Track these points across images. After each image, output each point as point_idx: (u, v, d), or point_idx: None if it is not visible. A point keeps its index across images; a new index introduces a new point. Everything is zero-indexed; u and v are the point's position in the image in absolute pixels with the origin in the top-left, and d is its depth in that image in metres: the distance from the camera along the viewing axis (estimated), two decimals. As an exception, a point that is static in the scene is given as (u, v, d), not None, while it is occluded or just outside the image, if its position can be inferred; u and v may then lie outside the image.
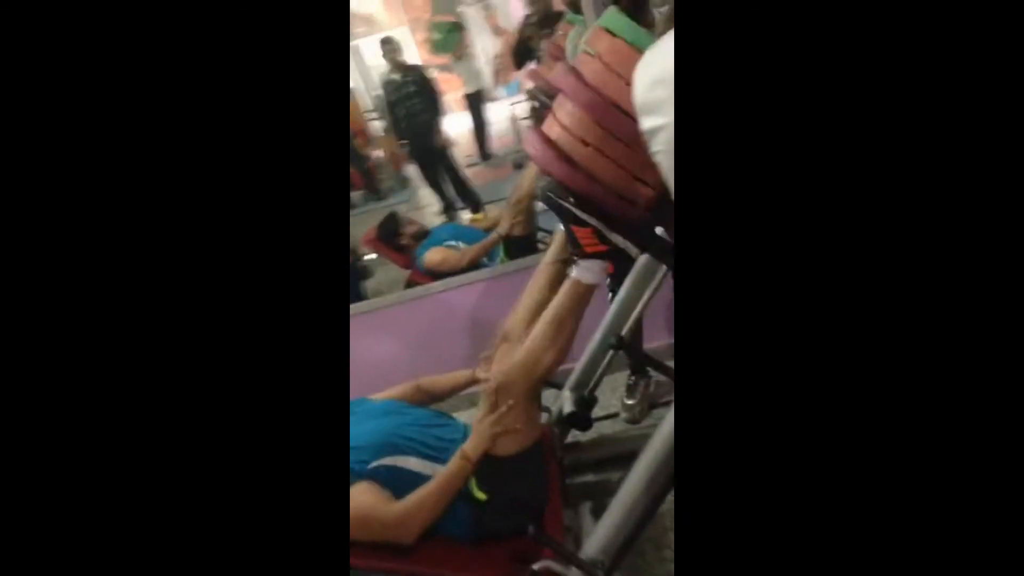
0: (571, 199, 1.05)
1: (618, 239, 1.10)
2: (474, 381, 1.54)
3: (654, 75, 0.74)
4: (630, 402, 1.97)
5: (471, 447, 1.24)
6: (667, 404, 1.99)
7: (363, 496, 1.21)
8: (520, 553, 1.27)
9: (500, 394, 1.23)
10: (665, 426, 1.13)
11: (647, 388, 2.00)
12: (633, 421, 1.95)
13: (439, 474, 1.23)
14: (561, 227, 1.30)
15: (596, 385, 1.63)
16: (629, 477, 1.16)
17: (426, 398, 1.59)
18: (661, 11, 0.99)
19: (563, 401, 1.64)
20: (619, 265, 1.34)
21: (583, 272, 1.22)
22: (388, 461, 1.29)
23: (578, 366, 1.70)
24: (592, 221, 1.08)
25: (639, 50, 1.02)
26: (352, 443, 1.29)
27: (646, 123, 0.77)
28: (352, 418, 1.39)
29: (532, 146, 1.13)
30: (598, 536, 1.16)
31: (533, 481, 1.33)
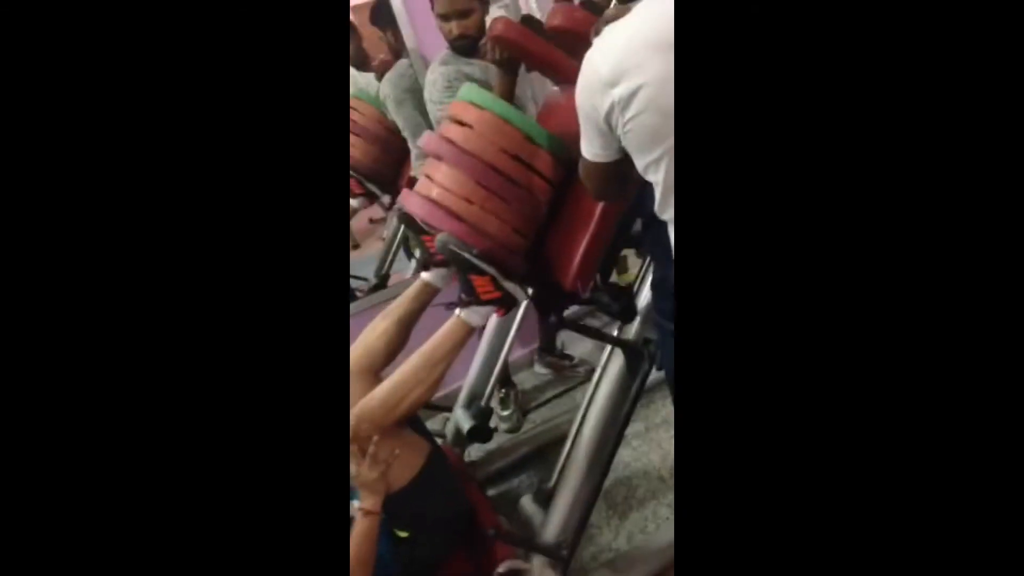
0: (472, 251, 1.16)
1: (510, 286, 1.23)
2: None
3: (618, 52, 0.82)
4: (505, 413, 2.12)
5: (367, 503, 1.19)
6: (538, 407, 2.18)
7: None
8: (471, 567, 1.33)
9: (361, 437, 1.20)
10: (591, 411, 1.29)
11: (516, 398, 2.16)
12: (513, 430, 2.09)
13: (351, 541, 1.17)
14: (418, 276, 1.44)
15: (489, 398, 1.75)
16: (570, 461, 1.30)
17: None
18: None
19: (459, 420, 1.73)
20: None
21: (471, 316, 1.29)
22: None
23: (466, 385, 1.81)
24: (490, 270, 1.20)
25: (506, 121, 1.20)
26: None
27: (619, 91, 0.83)
28: None
29: (417, 207, 1.23)
30: (554, 520, 1.29)
31: (447, 495, 1.36)
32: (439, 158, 1.22)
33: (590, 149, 0.95)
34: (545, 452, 1.93)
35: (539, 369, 2.35)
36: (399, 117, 2.07)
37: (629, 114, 0.84)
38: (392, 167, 2.13)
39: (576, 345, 2.41)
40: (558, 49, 1.38)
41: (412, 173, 2.16)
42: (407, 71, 2.01)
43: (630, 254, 2.85)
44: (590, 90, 0.88)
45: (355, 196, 2.14)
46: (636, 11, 0.84)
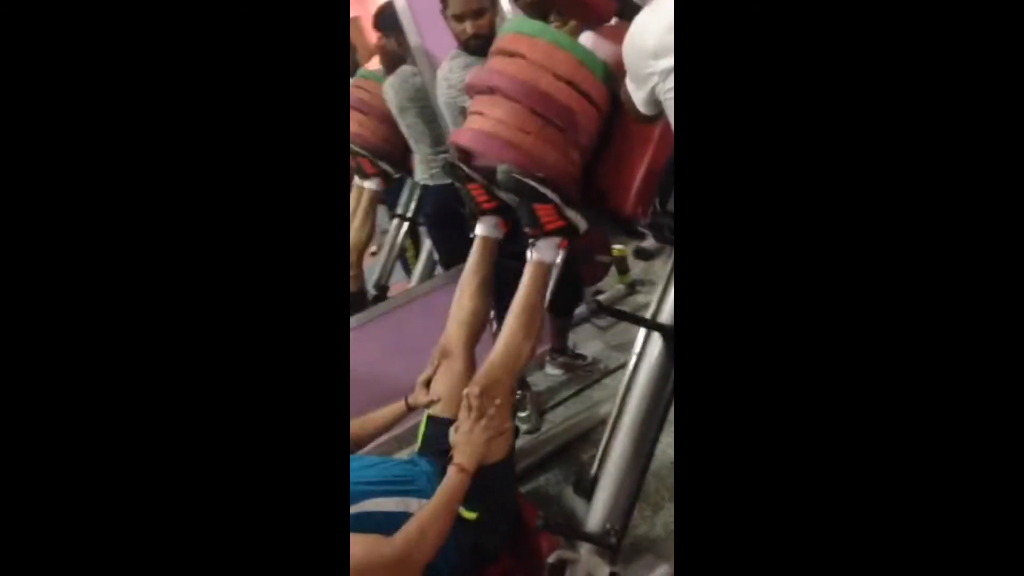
0: (537, 176, 1.16)
1: (572, 214, 1.24)
2: (408, 411, 1.47)
3: (667, 23, 0.87)
4: (523, 415, 2.11)
5: (467, 458, 1.18)
6: (554, 407, 2.17)
7: (353, 548, 1.13)
8: (517, 563, 1.32)
9: (486, 397, 1.22)
10: (631, 396, 1.30)
11: (533, 399, 2.16)
12: (533, 431, 2.08)
13: (436, 496, 1.16)
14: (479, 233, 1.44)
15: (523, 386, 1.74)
16: (611, 448, 1.30)
17: (356, 443, 1.48)
18: None
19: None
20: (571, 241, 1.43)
21: (543, 252, 1.31)
22: (358, 508, 1.23)
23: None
24: (554, 197, 1.21)
25: (558, 46, 1.20)
26: None
27: (662, 64, 0.89)
28: None
29: (473, 142, 1.23)
30: (598, 508, 1.28)
31: (511, 488, 1.37)
32: (492, 91, 1.23)
33: (637, 98, 1.02)
34: (567, 449, 1.92)
35: (551, 371, 2.36)
36: (402, 124, 2.08)
37: (669, 84, 0.91)
38: (401, 146, 2.12)
39: (587, 345, 2.42)
40: None
41: (417, 178, 2.17)
42: (411, 78, 2.02)
43: (626, 254, 2.89)
44: (636, 56, 0.95)
45: (369, 176, 2.13)
46: None
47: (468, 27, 1.64)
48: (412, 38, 1.93)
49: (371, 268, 2.34)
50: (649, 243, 2.97)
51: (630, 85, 1.03)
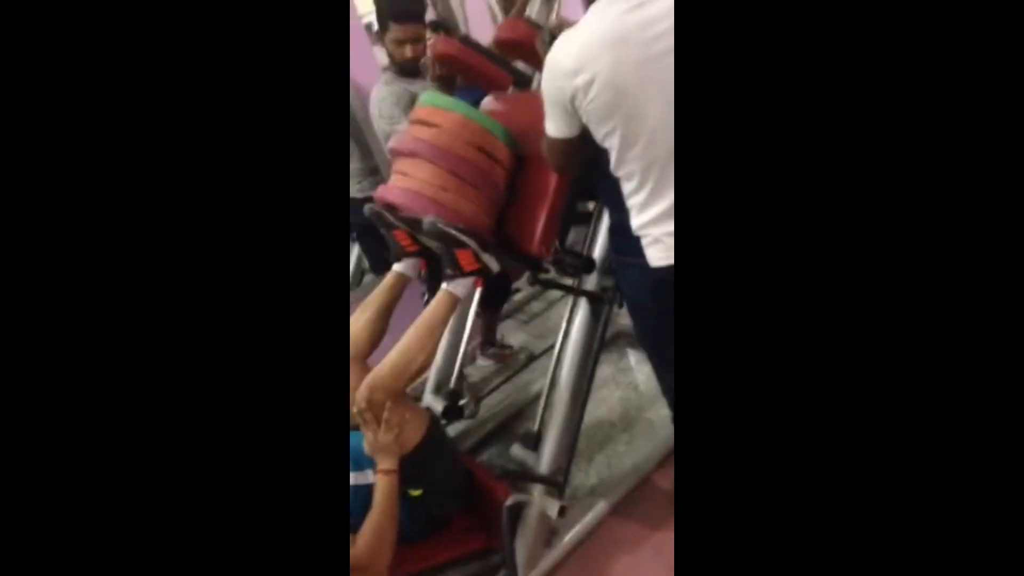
0: (457, 227, 1.36)
1: (487, 258, 1.43)
2: None
3: (580, 43, 1.06)
4: (463, 402, 2.29)
5: (385, 464, 1.31)
6: (489, 393, 2.37)
7: None
8: (469, 523, 1.49)
9: (374, 405, 1.31)
10: (564, 356, 1.52)
11: (470, 388, 2.34)
12: (472, 415, 2.26)
13: (375, 503, 1.30)
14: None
15: (457, 381, 1.93)
16: (552, 401, 1.52)
17: None
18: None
19: (431, 404, 1.90)
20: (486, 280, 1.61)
21: (458, 287, 1.47)
22: None
23: (432, 374, 1.98)
24: (472, 244, 1.40)
25: (468, 118, 1.43)
26: None
27: (580, 79, 1.06)
28: None
29: (400, 198, 1.42)
30: (546, 454, 1.49)
31: (449, 456, 1.53)
32: (414, 155, 1.42)
33: (556, 127, 1.19)
34: (505, 426, 2.13)
35: (482, 362, 2.55)
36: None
37: (590, 96, 1.08)
38: None
39: (513, 336, 2.64)
40: (491, 62, 1.64)
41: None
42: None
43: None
44: (556, 79, 1.12)
45: None
46: (588, 16, 1.10)
47: (408, 50, 1.83)
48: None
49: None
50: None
51: (550, 116, 1.19)
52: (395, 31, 1.84)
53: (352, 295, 2.36)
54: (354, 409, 1.34)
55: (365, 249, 2.41)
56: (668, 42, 1.01)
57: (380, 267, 2.32)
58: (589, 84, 1.07)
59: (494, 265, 1.46)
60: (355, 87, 2.15)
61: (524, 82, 1.72)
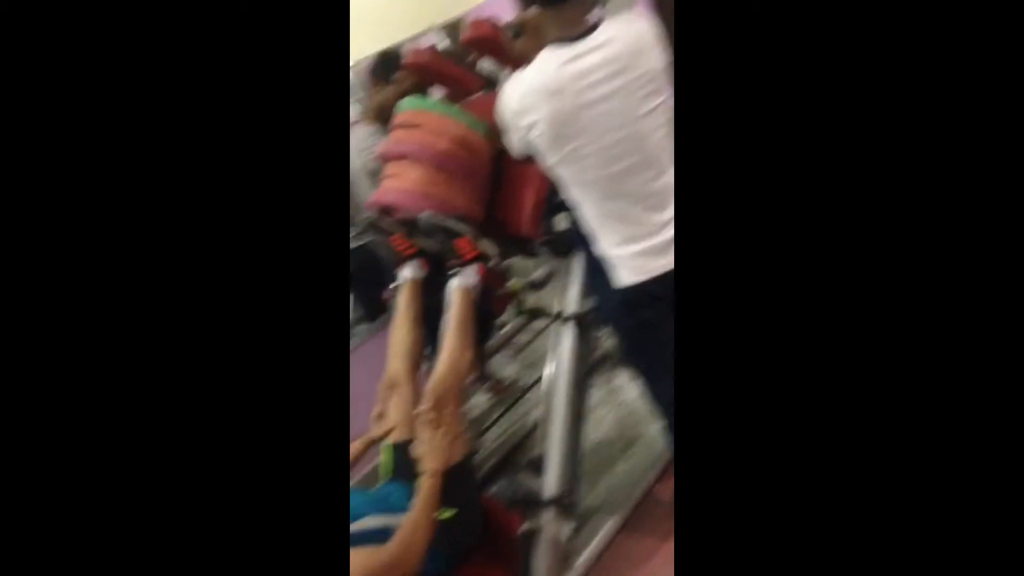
0: (452, 217, 1.44)
1: (484, 244, 1.51)
2: (371, 444, 1.62)
3: (523, 90, 1.19)
4: (462, 440, 2.32)
5: (435, 463, 1.35)
6: (488, 429, 2.40)
7: (355, 561, 1.23)
8: (492, 552, 1.52)
9: (438, 408, 1.41)
10: (557, 381, 1.57)
11: (470, 425, 2.37)
12: (473, 453, 2.29)
13: (417, 502, 1.32)
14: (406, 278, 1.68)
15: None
16: (549, 425, 1.57)
17: None
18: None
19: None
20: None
21: (466, 277, 1.52)
22: (352, 529, 1.34)
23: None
24: (468, 231, 1.47)
25: (448, 115, 1.52)
26: None
27: (524, 121, 1.20)
28: None
29: (396, 198, 1.50)
30: (551, 477, 1.53)
31: (474, 487, 1.57)
32: (402, 156, 1.51)
33: (513, 148, 1.33)
34: (508, 459, 2.16)
35: (478, 399, 2.59)
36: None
37: (533, 134, 1.22)
38: None
39: (505, 368, 2.69)
40: (460, 66, 1.73)
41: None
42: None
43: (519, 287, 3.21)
44: (505, 114, 1.26)
45: None
46: (535, 62, 1.21)
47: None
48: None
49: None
50: (538, 275, 3.32)
51: (508, 137, 1.33)
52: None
53: (352, 343, 2.38)
54: (418, 409, 1.40)
55: (357, 297, 2.46)
56: (602, 90, 1.14)
57: (374, 310, 2.38)
58: (531, 126, 1.20)
59: (491, 249, 1.54)
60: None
61: (491, 84, 1.81)
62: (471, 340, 1.51)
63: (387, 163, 1.56)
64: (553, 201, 1.52)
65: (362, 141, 2.00)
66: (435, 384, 1.45)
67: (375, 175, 1.97)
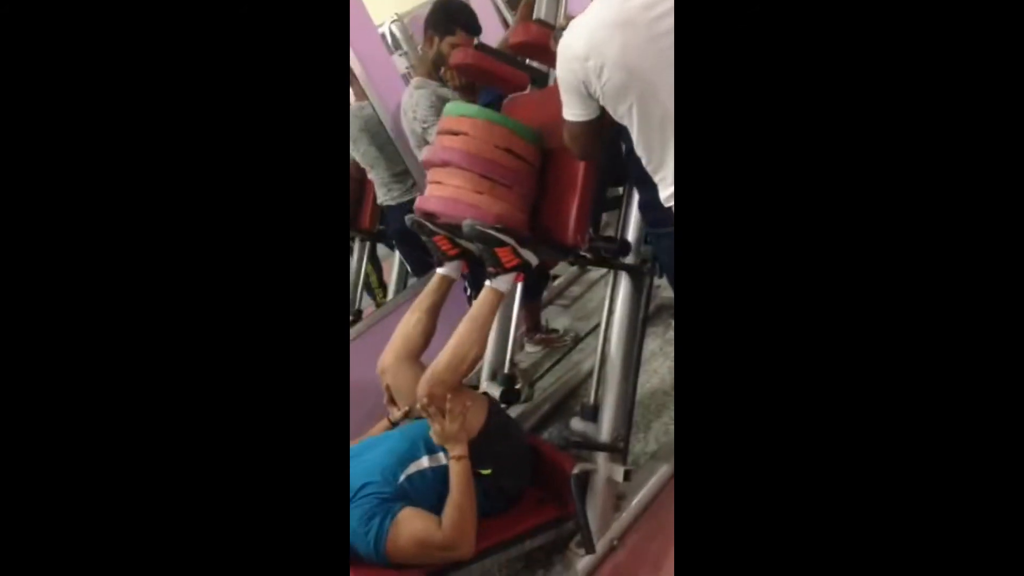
0: (496, 227, 1.44)
1: (525, 253, 1.50)
2: (393, 427, 1.68)
3: (591, 28, 1.12)
4: (518, 387, 2.36)
5: (456, 450, 1.40)
6: (541, 377, 2.44)
7: (414, 522, 1.34)
8: (541, 495, 1.56)
9: (435, 398, 1.40)
10: (611, 330, 1.58)
11: (523, 374, 2.41)
12: (528, 399, 2.33)
13: (452, 487, 1.39)
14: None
15: (511, 366, 2.00)
16: (604, 374, 1.58)
17: None
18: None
19: (489, 390, 1.97)
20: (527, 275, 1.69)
21: (500, 283, 1.53)
22: (407, 471, 1.45)
23: (486, 363, 2.06)
24: (510, 241, 1.47)
25: (493, 122, 1.50)
26: (374, 471, 1.42)
27: (592, 63, 1.13)
28: (353, 461, 1.48)
29: (439, 206, 1.51)
30: (605, 423, 1.55)
31: (513, 435, 1.61)
32: (445, 163, 1.50)
33: (573, 112, 1.25)
34: (561, 406, 2.20)
35: (530, 348, 2.62)
36: (356, 153, 2.32)
37: (603, 79, 1.14)
38: (355, 198, 2.38)
39: (557, 320, 2.71)
40: (507, 65, 1.71)
41: (379, 201, 2.41)
42: (360, 111, 2.27)
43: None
44: (569, 64, 1.18)
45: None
46: (594, 3, 1.16)
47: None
48: (360, 75, 2.18)
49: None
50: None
51: (567, 102, 1.24)
52: (459, 37, 1.93)
53: (401, 298, 2.44)
54: (417, 405, 1.43)
55: (404, 254, 2.49)
56: (667, 23, 1.06)
57: (421, 269, 2.42)
58: (600, 68, 1.13)
59: (533, 259, 1.53)
60: (377, 95, 2.23)
61: (541, 80, 1.80)
62: (481, 339, 1.50)
63: (431, 169, 1.56)
64: (597, 206, 1.48)
65: (416, 107, 2.00)
66: (429, 375, 1.44)
67: (421, 138, 1.99)
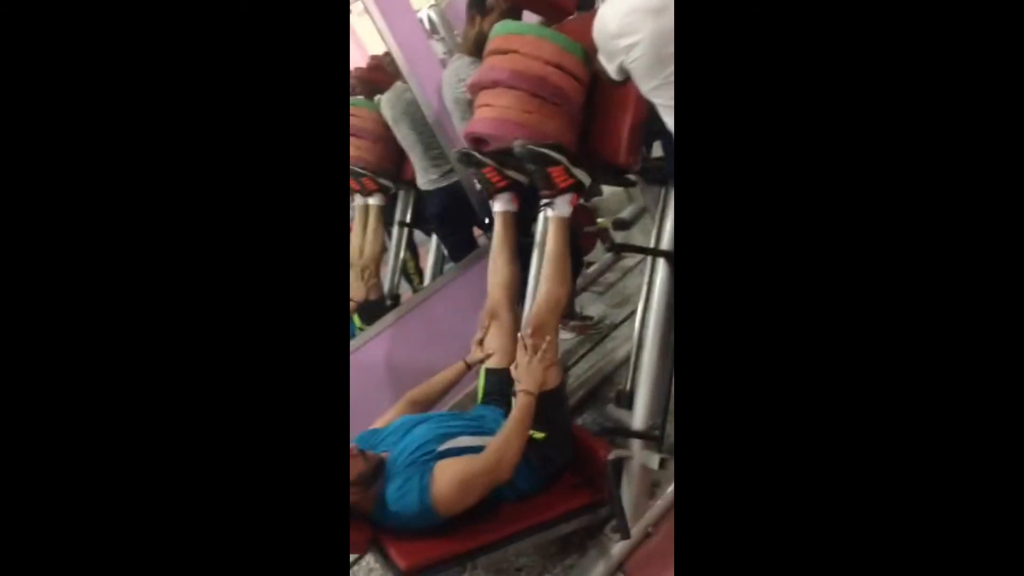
0: (547, 145, 1.41)
1: (578, 172, 1.48)
2: (467, 369, 1.70)
3: (624, 10, 1.15)
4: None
5: (530, 384, 1.42)
6: (575, 363, 2.44)
7: (453, 465, 1.36)
8: (580, 478, 1.57)
9: (537, 335, 1.47)
10: (648, 315, 1.57)
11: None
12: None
13: (511, 417, 1.40)
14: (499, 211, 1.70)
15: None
16: (640, 360, 1.57)
17: (422, 407, 1.66)
18: None
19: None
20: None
21: (560, 208, 1.53)
22: (447, 445, 1.45)
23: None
24: (562, 159, 1.45)
25: (543, 38, 1.47)
26: (412, 446, 1.43)
27: (623, 42, 1.17)
28: (392, 436, 1.50)
29: (488, 128, 1.48)
30: (640, 411, 1.54)
31: (565, 410, 1.63)
32: (495, 84, 1.49)
33: (606, 73, 1.31)
34: (595, 393, 2.20)
35: (565, 335, 2.62)
36: (398, 135, 2.34)
37: (632, 56, 1.19)
38: (396, 161, 2.37)
39: (591, 307, 2.70)
40: None
41: (419, 185, 2.42)
42: (403, 94, 2.28)
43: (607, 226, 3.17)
44: (603, 39, 1.23)
45: (372, 193, 2.35)
46: None
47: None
48: (400, 60, 2.19)
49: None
50: (626, 213, 3.26)
51: (602, 60, 1.30)
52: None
53: (438, 283, 2.45)
54: (519, 336, 1.49)
55: (442, 237, 2.51)
56: None
57: (459, 254, 2.43)
58: (631, 47, 1.17)
59: (586, 178, 1.53)
60: (416, 80, 2.23)
61: (587, 3, 1.74)
62: (568, 273, 1.54)
63: (479, 92, 1.55)
64: (651, 127, 1.47)
65: (458, 71, 1.99)
66: (535, 313, 1.52)
67: (468, 105, 1.98)
